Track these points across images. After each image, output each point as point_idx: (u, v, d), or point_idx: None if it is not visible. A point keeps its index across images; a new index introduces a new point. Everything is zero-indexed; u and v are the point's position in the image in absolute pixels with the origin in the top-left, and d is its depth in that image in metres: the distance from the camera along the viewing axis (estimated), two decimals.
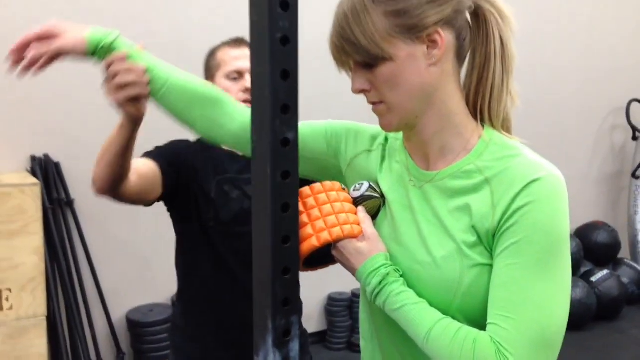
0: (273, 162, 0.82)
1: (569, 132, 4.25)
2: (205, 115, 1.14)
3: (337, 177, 1.14)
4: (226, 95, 1.19)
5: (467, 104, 0.99)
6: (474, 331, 0.90)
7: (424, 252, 0.96)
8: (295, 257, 0.88)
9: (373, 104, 0.99)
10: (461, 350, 0.88)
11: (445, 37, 0.93)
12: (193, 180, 1.71)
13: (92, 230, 2.90)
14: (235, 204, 1.71)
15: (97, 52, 1.14)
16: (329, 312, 3.56)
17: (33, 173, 2.74)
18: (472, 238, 0.93)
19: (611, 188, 4.51)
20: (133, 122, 1.34)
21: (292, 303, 0.88)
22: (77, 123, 2.87)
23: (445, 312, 0.93)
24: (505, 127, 1.01)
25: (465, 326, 0.91)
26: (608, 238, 4.18)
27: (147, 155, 1.69)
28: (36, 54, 1.17)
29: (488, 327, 0.89)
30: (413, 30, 0.92)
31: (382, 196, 1.04)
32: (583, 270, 4.01)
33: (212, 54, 1.79)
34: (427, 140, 1.00)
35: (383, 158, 1.09)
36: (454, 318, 0.93)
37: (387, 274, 0.95)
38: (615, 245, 4.21)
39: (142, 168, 1.62)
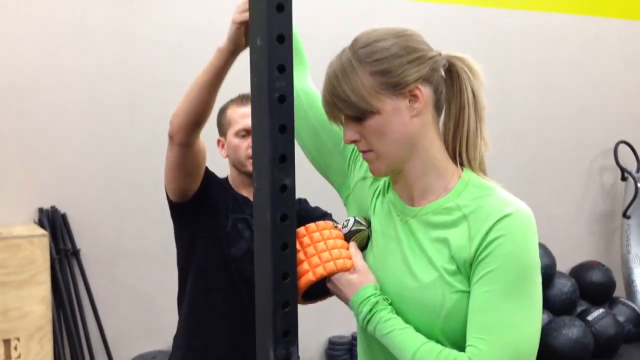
0: (273, 206, 0.93)
1: (559, 173, 4.37)
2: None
3: (339, 189, 1.27)
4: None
5: (447, 149, 1.11)
6: (454, 352, 1.00)
7: (410, 279, 1.06)
8: (293, 292, 0.98)
9: (363, 152, 1.10)
10: None
11: (425, 92, 1.06)
12: (214, 208, 1.86)
13: (97, 279, 2.99)
14: (245, 243, 1.86)
15: None
16: (329, 355, 3.59)
17: (41, 224, 2.84)
18: (452, 267, 1.03)
19: (603, 228, 4.60)
20: (233, 49, 1.51)
21: (291, 334, 0.97)
22: (83, 176, 2.98)
23: (429, 334, 1.03)
24: (482, 169, 1.12)
25: (446, 348, 1.01)
26: (603, 277, 4.23)
27: None
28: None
29: (467, 349, 1.00)
30: (396, 87, 1.04)
31: (369, 225, 1.16)
32: (579, 309, 4.04)
33: (222, 112, 1.93)
34: (412, 182, 1.12)
35: (376, 193, 1.21)
36: (437, 340, 1.03)
37: (377, 303, 1.05)
38: (610, 285, 4.26)
39: (205, 150, 1.79)
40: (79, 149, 2.97)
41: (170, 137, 1.70)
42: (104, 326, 2.94)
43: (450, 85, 1.11)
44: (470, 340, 1.00)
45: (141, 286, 3.09)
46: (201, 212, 1.85)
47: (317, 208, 2.01)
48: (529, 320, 0.99)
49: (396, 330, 1.03)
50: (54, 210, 2.92)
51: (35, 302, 2.54)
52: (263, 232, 0.95)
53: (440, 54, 1.10)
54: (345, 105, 1.06)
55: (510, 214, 1.02)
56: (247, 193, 1.95)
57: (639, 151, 4.48)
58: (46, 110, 2.92)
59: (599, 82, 4.43)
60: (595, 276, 4.22)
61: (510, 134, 4.14)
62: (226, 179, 1.99)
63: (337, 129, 1.22)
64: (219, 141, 1.96)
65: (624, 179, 4.45)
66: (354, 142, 1.10)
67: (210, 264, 1.86)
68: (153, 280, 3.06)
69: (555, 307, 3.91)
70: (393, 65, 1.04)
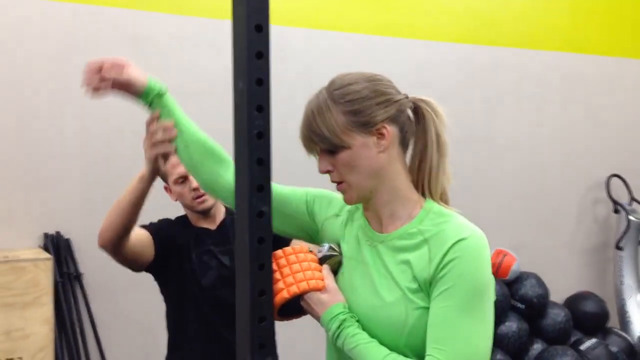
0: (250, 230, 1.04)
1: (552, 206, 4.46)
2: (212, 169, 1.36)
3: (313, 235, 1.37)
4: (227, 154, 1.40)
5: (412, 181, 1.23)
6: None
7: (375, 298, 1.18)
8: (269, 308, 1.08)
9: (336, 183, 1.23)
10: None
11: (391, 131, 1.18)
12: (177, 252, 2.01)
13: (99, 302, 3.07)
14: (213, 272, 2.00)
15: (149, 95, 1.37)
16: None
17: (46, 249, 2.94)
18: (414, 285, 1.15)
19: (597, 259, 4.67)
20: (153, 175, 1.66)
21: (267, 347, 1.07)
22: (87, 204, 3.09)
23: (394, 349, 1.14)
24: (444, 199, 1.24)
25: (408, 359, 1.12)
26: (596, 308, 4.28)
27: (142, 226, 2.01)
28: (106, 77, 1.34)
29: (426, 358, 1.11)
30: (365, 125, 1.17)
31: (341, 253, 1.27)
32: (573, 339, 4.09)
33: None
34: (379, 209, 1.24)
35: (347, 222, 1.33)
36: (403, 353, 1.14)
37: (344, 320, 1.16)
38: (604, 315, 4.31)
39: (139, 232, 1.94)
40: (83, 178, 3.09)
41: (104, 248, 1.86)
42: (104, 348, 3.03)
43: (416, 125, 1.23)
44: (428, 349, 1.11)
45: (141, 310, 3.17)
46: (166, 262, 2.01)
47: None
48: (481, 333, 1.11)
49: (362, 345, 1.14)
50: (58, 235, 3.03)
51: (39, 323, 2.63)
52: (242, 253, 1.05)
53: (407, 97, 1.23)
54: (320, 140, 1.19)
55: (466, 238, 1.14)
56: (206, 224, 2.10)
57: (630, 184, 4.57)
58: (51, 142, 3.04)
59: (592, 117, 4.55)
60: (589, 306, 4.27)
61: (503, 167, 4.25)
62: (184, 216, 2.14)
63: (295, 198, 1.36)
64: (165, 188, 2.10)
65: (616, 211, 4.53)
66: (328, 172, 1.23)
67: (183, 298, 2.02)
68: (153, 306, 3.12)
69: (548, 336, 3.97)
70: (363, 106, 1.17)
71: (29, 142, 3.00)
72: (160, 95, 1.36)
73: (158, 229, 2.03)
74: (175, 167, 2.00)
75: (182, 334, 2.01)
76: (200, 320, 1.99)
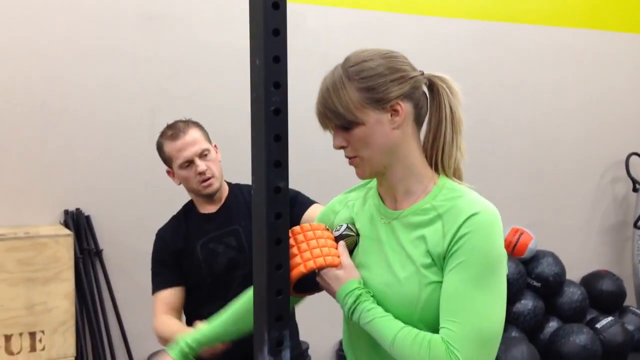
0: (268, 205, 1.05)
1: (571, 185, 4.43)
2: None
3: None
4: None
5: (426, 157, 1.24)
6: (429, 334, 1.13)
7: (389, 275, 1.19)
8: (286, 281, 1.10)
9: (349, 158, 1.24)
10: (419, 349, 1.11)
11: (405, 107, 1.19)
12: (184, 256, 2.02)
13: (118, 277, 3.13)
14: (222, 257, 2.00)
15: None
16: (339, 357, 3.70)
17: (66, 225, 2.99)
18: (428, 260, 1.16)
19: (615, 238, 4.65)
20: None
21: (284, 319, 1.09)
22: (106, 181, 3.13)
23: (409, 323, 1.16)
24: (457, 175, 1.25)
25: (422, 331, 1.14)
26: (613, 286, 4.27)
27: (160, 286, 2.04)
28: None
29: (440, 330, 1.12)
30: (380, 102, 1.17)
31: (358, 234, 1.28)
32: (589, 317, 4.09)
33: (160, 149, 2.05)
34: (394, 185, 1.25)
35: (359, 205, 1.36)
36: (417, 327, 1.15)
37: (360, 295, 1.18)
38: (621, 294, 4.30)
39: (176, 305, 2.04)
40: (102, 156, 3.13)
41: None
42: (123, 322, 3.09)
43: (431, 101, 1.24)
44: (442, 322, 1.13)
45: None
46: (183, 270, 2.04)
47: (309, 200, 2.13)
48: (493, 305, 1.12)
49: (377, 318, 1.16)
50: (78, 212, 3.07)
51: (60, 298, 2.68)
52: (260, 228, 1.07)
53: (422, 74, 1.23)
54: (334, 116, 1.20)
55: (478, 213, 1.15)
56: (210, 208, 2.09)
57: None
58: (72, 120, 3.07)
59: (611, 95, 4.50)
60: (606, 285, 4.26)
61: (523, 147, 4.23)
62: (188, 204, 2.14)
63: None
64: (168, 172, 2.07)
65: (635, 190, 4.50)
66: (342, 147, 1.23)
67: (196, 287, 2.04)
68: None
69: (564, 314, 3.98)
70: (377, 83, 1.18)
71: (49, 120, 3.04)
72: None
73: (169, 270, 2.04)
74: (181, 150, 1.98)
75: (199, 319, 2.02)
76: (214, 304, 1.99)
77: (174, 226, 2.09)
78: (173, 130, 2.01)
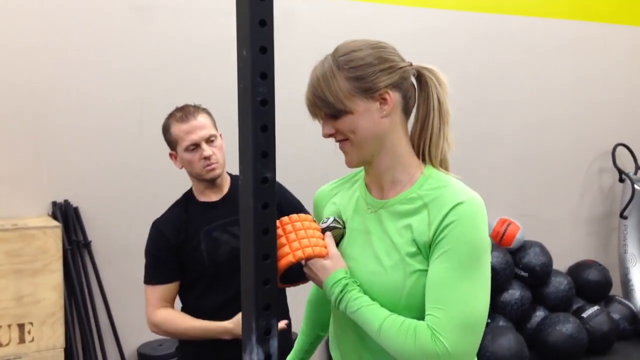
0: (255, 195, 1.06)
1: (558, 176, 4.47)
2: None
3: None
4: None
5: (413, 147, 1.25)
6: (415, 321, 1.15)
7: (375, 264, 1.21)
8: (273, 271, 1.10)
9: (339, 141, 1.26)
10: (405, 336, 1.13)
11: (394, 97, 1.20)
12: (185, 247, 2.00)
13: (107, 269, 3.13)
14: (226, 246, 1.99)
15: None
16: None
17: (54, 217, 2.98)
18: (413, 249, 1.18)
19: (601, 228, 4.69)
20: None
21: (272, 308, 1.10)
22: (95, 172, 3.12)
23: (395, 311, 1.18)
24: (444, 166, 1.26)
25: (407, 319, 1.16)
26: (599, 276, 4.32)
27: (155, 281, 2.04)
28: None
29: (426, 317, 1.15)
30: (368, 91, 1.19)
31: (344, 227, 1.29)
32: (575, 307, 4.14)
33: (166, 130, 2.04)
34: (380, 174, 1.27)
35: (343, 198, 1.39)
36: (402, 315, 1.17)
37: (347, 284, 1.19)
38: (607, 283, 4.35)
39: (171, 299, 2.05)
40: (91, 147, 3.12)
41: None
42: (112, 314, 3.09)
43: (419, 92, 1.25)
44: (428, 309, 1.15)
45: None
46: (182, 264, 2.05)
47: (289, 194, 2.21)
48: (477, 293, 1.14)
49: (364, 307, 1.17)
50: (66, 203, 3.06)
51: (48, 290, 2.68)
52: (247, 219, 1.08)
53: (411, 65, 1.24)
54: (324, 105, 1.21)
55: (463, 202, 1.17)
56: (212, 196, 2.08)
57: (636, 153, 4.57)
58: (60, 111, 3.06)
59: (597, 86, 4.53)
60: (592, 275, 4.31)
61: (509, 136, 4.25)
62: (187, 193, 2.14)
63: None
64: (171, 155, 2.07)
65: (621, 180, 4.54)
66: (330, 135, 1.24)
67: (197, 277, 2.02)
68: None
69: (551, 304, 4.02)
70: (367, 73, 1.19)
71: (37, 111, 3.02)
72: None
73: (163, 265, 2.03)
74: (189, 133, 1.98)
75: (199, 311, 2.01)
76: (216, 294, 1.99)
77: (175, 216, 2.07)
78: (183, 113, 2.02)
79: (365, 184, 1.33)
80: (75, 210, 3.08)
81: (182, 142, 1.99)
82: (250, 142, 1.04)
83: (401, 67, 1.22)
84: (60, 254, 2.72)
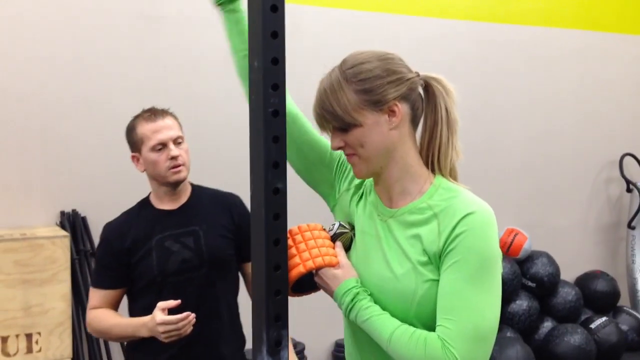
0: (266, 206, 1.06)
1: (566, 185, 4.45)
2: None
3: (327, 192, 1.43)
4: None
5: (422, 157, 1.25)
6: (425, 332, 1.15)
7: (387, 271, 1.21)
8: (285, 282, 1.11)
9: (348, 155, 1.26)
10: (416, 347, 1.13)
11: (402, 108, 1.20)
12: (132, 254, 1.98)
13: None
14: (176, 256, 1.96)
15: None
16: (335, 357, 3.71)
17: (62, 226, 2.99)
18: (424, 258, 1.18)
19: (609, 238, 4.67)
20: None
21: (282, 319, 1.10)
22: (102, 182, 3.13)
23: (404, 319, 1.18)
24: (453, 176, 1.26)
25: (418, 329, 1.16)
26: (607, 286, 4.29)
27: (98, 285, 2.04)
28: None
29: (436, 328, 1.14)
30: (377, 104, 1.19)
31: (352, 229, 1.30)
32: (583, 317, 4.12)
33: (131, 130, 2.02)
34: (390, 185, 1.27)
35: (359, 197, 1.36)
36: (412, 324, 1.17)
37: (357, 293, 1.19)
38: (615, 294, 4.33)
39: (112, 304, 2.03)
40: (99, 157, 3.13)
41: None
42: None
43: (427, 102, 1.25)
44: (439, 320, 1.15)
45: None
46: (129, 272, 2.02)
47: None
48: (488, 303, 1.14)
49: (374, 317, 1.17)
50: (74, 213, 3.07)
51: (56, 299, 2.68)
52: (258, 229, 1.08)
53: (418, 75, 1.25)
54: (333, 118, 1.21)
55: (473, 212, 1.17)
56: (169, 204, 2.05)
57: None
58: (68, 121, 3.08)
59: (605, 95, 4.53)
60: (600, 285, 4.29)
61: (516, 146, 4.25)
62: (145, 200, 2.11)
63: (321, 145, 1.40)
64: (133, 157, 2.05)
65: (629, 190, 4.53)
66: (339, 148, 1.25)
67: (145, 287, 1.99)
68: None
69: (559, 315, 4.00)
70: (375, 85, 1.19)
71: (46, 121, 3.04)
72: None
73: (109, 269, 2.01)
74: (156, 132, 1.96)
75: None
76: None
77: (123, 223, 2.05)
78: (150, 113, 2.01)
79: (375, 192, 1.33)
80: (84, 219, 3.08)
81: (148, 141, 1.96)
82: (262, 153, 1.05)
83: (409, 79, 1.23)
84: (68, 263, 2.73)
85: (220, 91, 3.31)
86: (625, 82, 4.58)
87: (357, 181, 1.39)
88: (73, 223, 3.04)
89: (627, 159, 4.52)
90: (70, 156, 3.08)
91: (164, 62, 3.25)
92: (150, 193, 2.11)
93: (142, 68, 3.20)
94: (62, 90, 3.06)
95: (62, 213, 3.06)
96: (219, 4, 1.44)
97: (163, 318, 1.76)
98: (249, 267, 2.16)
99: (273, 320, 1.08)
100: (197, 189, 2.13)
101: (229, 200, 2.14)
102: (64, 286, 2.70)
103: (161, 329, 1.76)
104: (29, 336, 2.63)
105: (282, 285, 1.09)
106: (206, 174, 3.11)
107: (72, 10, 3.07)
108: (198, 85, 3.32)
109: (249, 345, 2.18)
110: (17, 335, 2.61)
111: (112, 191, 3.16)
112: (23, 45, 2.98)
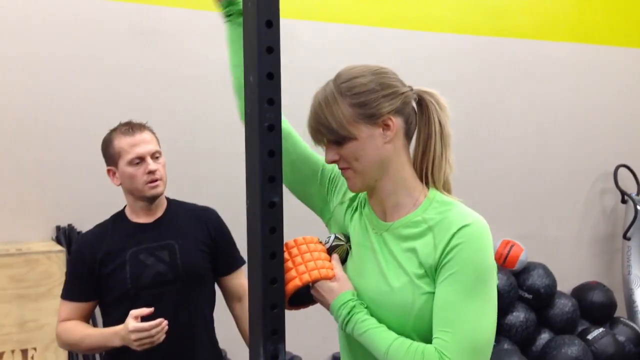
0: (262, 220, 1.07)
1: (561, 197, 4.47)
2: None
3: (320, 207, 1.43)
4: None
5: (415, 170, 1.26)
6: (422, 344, 1.15)
7: (383, 284, 1.21)
8: (281, 295, 1.11)
9: (342, 169, 1.27)
10: (413, 359, 1.12)
11: (396, 122, 1.21)
12: (104, 266, 1.97)
13: None
14: (150, 270, 1.96)
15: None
16: None
17: (58, 241, 2.98)
18: (420, 271, 1.19)
19: (604, 249, 4.68)
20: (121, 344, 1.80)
21: (279, 333, 1.10)
22: (98, 197, 3.11)
23: (402, 332, 1.18)
24: (446, 189, 1.27)
25: (414, 342, 1.16)
26: (603, 298, 4.30)
27: (68, 297, 2.02)
28: None
29: (433, 340, 1.15)
30: (372, 117, 1.20)
31: (348, 240, 1.30)
32: (580, 329, 4.11)
33: (108, 143, 2.02)
34: (384, 198, 1.28)
35: (353, 210, 1.37)
36: (409, 337, 1.18)
37: (354, 306, 1.20)
38: (611, 305, 4.33)
39: (82, 316, 2.01)
40: (94, 172, 3.10)
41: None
42: None
43: (420, 116, 1.26)
44: (435, 332, 1.15)
45: None
46: (100, 284, 2.00)
47: None
48: (485, 315, 1.15)
49: (371, 329, 1.18)
50: (70, 228, 3.07)
51: (52, 314, 2.66)
52: (254, 243, 1.09)
53: (411, 89, 1.26)
54: (327, 131, 1.22)
55: (469, 225, 1.17)
56: (145, 218, 2.04)
57: (638, 174, 4.58)
58: (64, 136, 3.07)
59: (599, 107, 4.55)
60: (596, 296, 4.29)
61: (510, 158, 4.26)
62: (119, 213, 2.11)
63: (313, 159, 1.41)
64: (109, 170, 2.04)
65: (624, 201, 4.54)
66: (334, 162, 1.26)
67: (118, 300, 1.97)
68: None
69: (556, 326, 4.00)
70: (369, 99, 1.20)
71: (41, 136, 3.04)
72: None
73: (81, 282, 2.00)
74: (135, 146, 1.96)
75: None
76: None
77: (96, 235, 2.05)
78: (128, 127, 2.01)
79: (370, 205, 1.34)
80: (79, 234, 3.07)
81: (126, 155, 1.96)
82: (258, 167, 1.06)
83: (403, 92, 1.24)
84: (63, 278, 2.71)
85: (216, 105, 3.32)
86: (618, 94, 4.61)
87: (350, 194, 1.39)
88: (69, 238, 3.03)
89: (622, 170, 4.54)
90: (65, 171, 3.08)
91: (161, 75, 3.25)
92: (125, 206, 2.11)
93: (137, 82, 3.21)
94: (57, 103, 3.06)
95: (58, 228, 3.05)
96: (228, 16, 1.46)
97: (135, 325, 1.75)
98: (228, 280, 2.17)
99: (270, 334, 1.08)
100: (173, 204, 2.13)
101: (205, 215, 2.15)
102: (60, 301, 2.69)
103: (134, 336, 1.74)
104: (24, 352, 2.62)
105: (278, 298, 1.10)
106: (200, 187, 3.12)
107: (66, 25, 3.08)
108: (193, 100, 3.33)
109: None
110: (12, 351, 2.60)
111: (108, 206, 3.13)
112: (14, 59, 2.98)
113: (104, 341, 1.87)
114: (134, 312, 1.79)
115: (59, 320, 2.01)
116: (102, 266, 1.98)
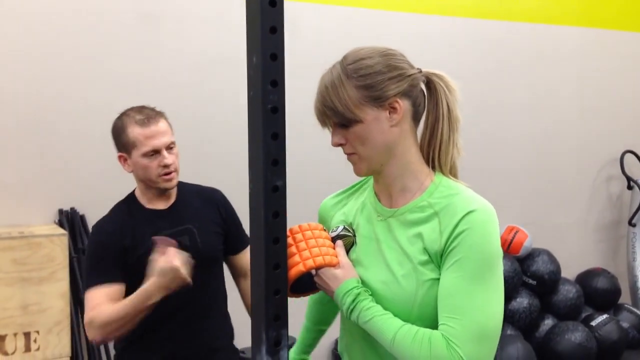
0: (266, 204, 1.04)
1: (567, 183, 4.44)
2: None
3: None
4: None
5: (422, 154, 1.23)
6: (429, 331, 1.13)
7: (387, 273, 1.19)
8: (284, 281, 1.09)
9: (348, 154, 1.24)
10: (420, 346, 1.11)
11: (403, 105, 1.18)
12: (130, 254, 1.92)
13: None
14: None
15: None
16: (335, 355, 3.70)
17: (61, 225, 2.97)
18: (425, 257, 1.17)
19: (610, 236, 4.66)
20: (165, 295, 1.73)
21: (282, 319, 1.08)
22: (101, 180, 3.12)
23: (407, 320, 1.16)
24: (453, 173, 1.25)
25: (421, 328, 1.14)
26: (608, 284, 4.29)
27: (97, 282, 1.88)
28: None
29: (439, 327, 1.12)
30: (378, 100, 1.17)
31: (355, 235, 1.28)
32: (584, 315, 4.11)
33: (121, 130, 1.94)
34: (390, 182, 1.25)
35: (354, 206, 1.37)
36: (415, 324, 1.15)
37: (359, 294, 1.17)
38: (615, 291, 4.32)
39: (115, 300, 1.86)
40: (97, 155, 3.11)
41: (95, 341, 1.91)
42: None
43: (428, 98, 1.23)
44: (441, 319, 1.13)
45: None
46: (127, 268, 1.92)
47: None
48: (492, 301, 1.13)
49: (376, 317, 1.16)
50: (73, 211, 3.06)
51: (55, 298, 2.67)
52: (257, 227, 1.06)
53: (420, 71, 1.23)
54: (333, 114, 1.19)
55: (475, 210, 1.15)
56: (160, 204, 2.00)
57: None
58: (66, 119, 3.06)
59: (606, 93, 4.51)
60: (601, 283, 4.28)
61: (516, 144, 4.23)
62: (130, 198, 2.04)
63: None
64: (120, 157, 1.98)
65: (630, 187, 4.51)
66: (340, 145, 1.23)
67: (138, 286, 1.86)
68: None
69: (560, 312, 3.99)
70: (376, 81, 1.17)
71: (43, 120, 3.02)
72: None
73: (109, 264, 1.89)
74: (150, 138, 1.90)
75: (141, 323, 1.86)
76: (159, 307, 1.82)
77: (119, 221, 1.97)
78: (143, 116, 1.94)
79: (375, 192, 1.32)
80: (82, 218, 3.07)
81: (141, 146, 1.91)
82: (261, 150, 1.03)
83: (410, 75, 1.21)
84: (66, 262, 2.71)
85: (223, 88, 3.29)
86: (625, 79, 4.57)
87: (345, 206, 1.40)
88: (71, 221, 3.02)
89: (628, 156, 4.51)
90: (68, 154, 3.06)
91: (164, 60, 3.23)
92: (134, 190, 2.06)
93: (142, 66, 3.18)
94: (59, 87, 3.04)
95: (61, 211, 3.04)
96: None
97: (171, 251, 1.73)
98: (235, 259, 2.17)
99: (272, 320, 1.07)
100: (181, 186, 2.09)
101: (214, 196, 2.15)
102: (62, 284, 2.69)
103: (176, 261, 1.70)
104: (27, 335, 2.62)
105: (281, 284, 1.08)
106: (206, 171, 3.10)
107: (71, 9, 3.05)
108: (200, 84, 3.30)
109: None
110: (15, 334, 2.60)
111: (111, 189, 3.12)
112: (19, 44, 2.96)
113: (146, 298, 1.74)
114: (156, 255, 1.74)
115: (88, 310, 1.86)
116: (127, 254, 1.92)
